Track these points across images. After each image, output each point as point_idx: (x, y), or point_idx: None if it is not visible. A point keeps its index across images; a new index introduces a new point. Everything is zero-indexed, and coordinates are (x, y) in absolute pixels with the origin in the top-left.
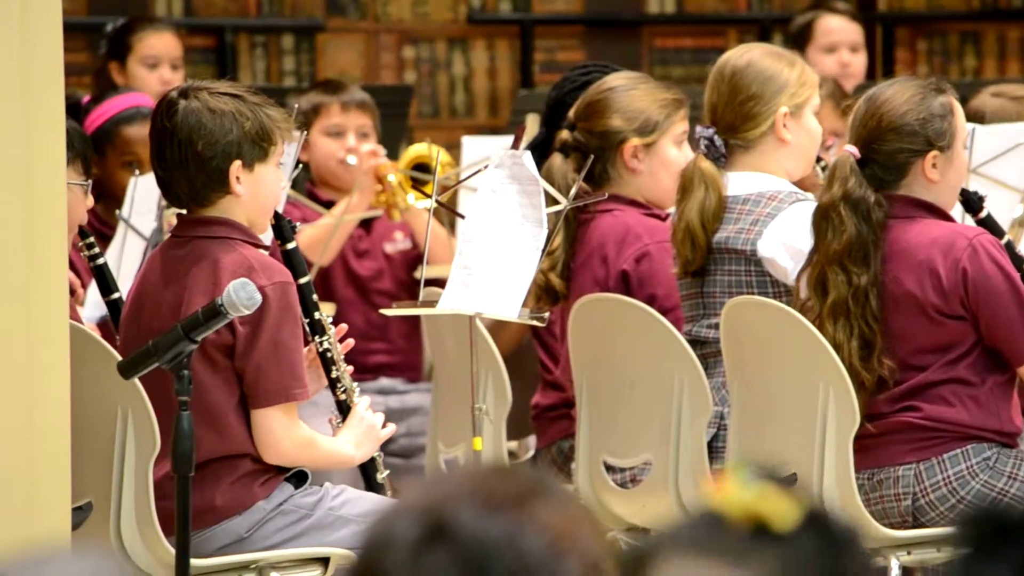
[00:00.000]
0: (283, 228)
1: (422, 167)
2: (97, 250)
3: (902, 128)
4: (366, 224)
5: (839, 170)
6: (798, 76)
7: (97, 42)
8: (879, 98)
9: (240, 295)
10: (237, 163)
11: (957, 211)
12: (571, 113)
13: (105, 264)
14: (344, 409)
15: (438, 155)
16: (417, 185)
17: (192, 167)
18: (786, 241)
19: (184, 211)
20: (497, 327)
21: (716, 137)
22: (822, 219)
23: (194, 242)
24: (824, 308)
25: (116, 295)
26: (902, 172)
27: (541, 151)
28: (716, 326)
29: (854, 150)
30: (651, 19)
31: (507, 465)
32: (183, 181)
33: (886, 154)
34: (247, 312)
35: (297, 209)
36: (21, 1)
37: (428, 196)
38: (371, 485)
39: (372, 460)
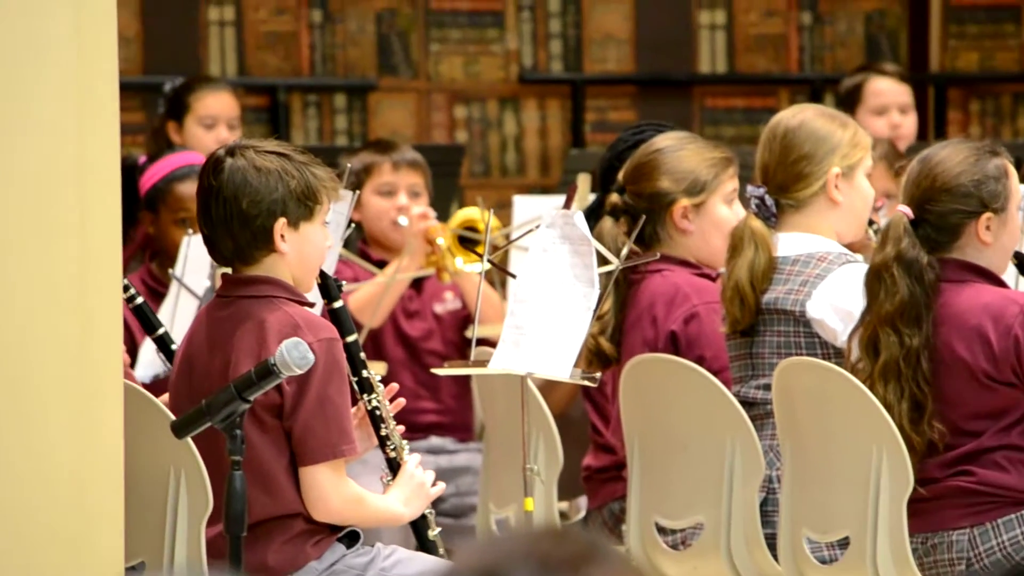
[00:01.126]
0: (329, 287)
1: (471, 231)
2: (133, 290)
3: (956, 189)
4: (416, 285)
5: (892, 230)
6: (851, 137)
7: (152, 101)
8: (933, 159)
9: (293, 355)
10: (282, 221)
11: (1011, 274)
12: (620, 176)
13: (144, 303)
14: (394, 467)
15: (488, 219)
16: (467, 246)
17: (237, 225)
18: (835, 303)
19: (229, 269)
20: (548, 387)
21: (767, 197)
22: (875, 279)
23: (239, 302)
24: (875, 369)
25: (162, 330)
26: (955, 234)
27: (596, 214)
28: (764, 387)
29: (908, 211)
30: (702, 79)
31: (562, 527)
32: (228, 239)
33: (939, 215)
34: (300, 372)
35: (349, 268)
36: (77, 59)
37: (478, 257)
38: (423, 543)
39: (424, 518)
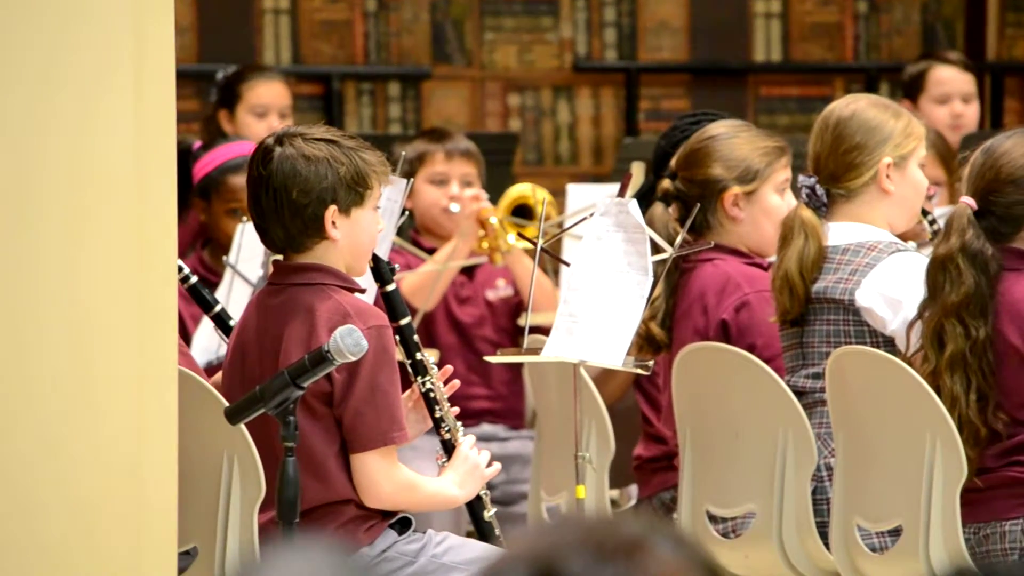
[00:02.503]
0: (382, 271)
1: (524, 208)
2: (187, 270)
3: (1021, 180)
4: (468, 271)
5: (956, 221)
6: (903, 127)
7: (207, 89)
8: (997, 150)
9: (347, 341)
10: (333, 208)
11: None
12: (672, 162)
13: (198, 282)
14: (448, 449)
15: (544, 202)
16: (521, 233)
17: (287, 214)
18: (884, 291)
19: (281, 256)
20: (603, 377)
21: (818, 186)
22: (939, 270)
23: (289, 290)
24: (942, 360)
25: (218, 307)
26: (1019, 225)
27: (647, 200)
28: (815, 376)
29: (971, 202)
30: (757, 67)
31: (617, 513)
32: (279, 228)
33: (1003, 206)
34: (353, 359)
35: (401, 256)
36: (135, 49)
37: (530, 240)
38: (478, 524)
39: (479, 499)
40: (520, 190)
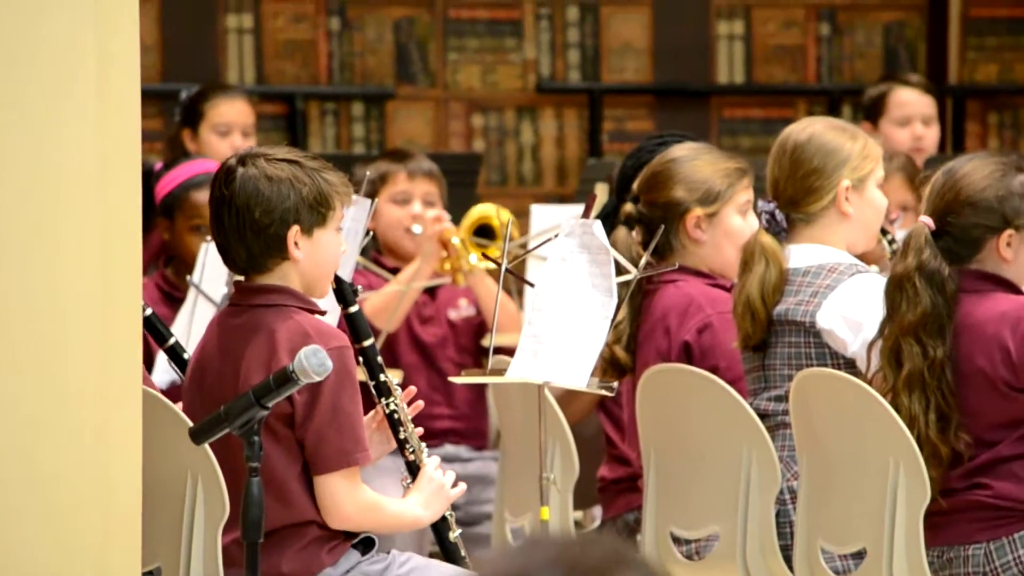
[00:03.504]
0: (345, 292)
1: (486, 228)
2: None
3: (979, 204)
4: (430, 291)
5: (914, 241)
6: (860, 149)
7: (171, 108)
8: (958, 171)
9: (312, 361)
10: (295, 229)
11: None
12: (635, 185)
13: (153, 314)
14: (413, 470)
15: (508, 224)
16: (485, 254)
17: (250, 234)
18: (845, 313)
19: (242, 277)
20: (567, 398)
21: (777, 212)
22: (896, 289)
23: (251, 311)
24: (899, 380)
25: (172, 340)
26: (976, 247)
27: (611, 220)
28: (777, 398)
29: (929, 222)
30: (720, 89)
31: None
32: (241, 248)
33: (961, 228)
34: (318, 379)
35: (363, 276)
36: (98, 68)
37: (493, 261)
38: (443, 545)
39: (444, 519)
40: (482, 210)
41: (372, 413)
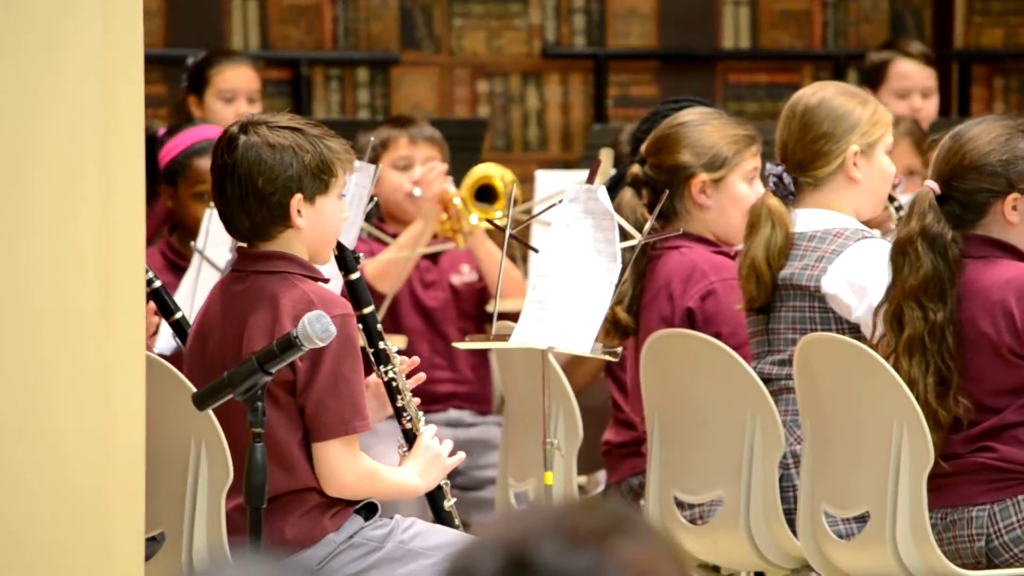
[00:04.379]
0: (347, 259)
1: (487, 190)
2: (151, 274)
3: (984, 168)
4: (433, 256)
5: (918, 205)
6: (871, 115)
7: (174, 74)
8: (964, 135)
9: (315, 327)
10: (298, 197)
11: None
12: (642, 148)
13: (162, 286)
14: (410, 438)
15: (512, 185)
16: (489, 219)
17: (252, 202)
18: (850, 278)
19: (245, 244)
20: (573, 363)
21: (785, 175)
22: (899, 254)
23: (253, 277)
24: (900, 343)
25: (179, 314)
26: (981, 212)
27: (617, 185)
28: (781, 363)
29: (935, 186)
30: (725, 54)
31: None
32: (244, 216)
33: (965, 192)
34: (322, 344)
35: (365, 244)
36: (103, 33)
37: (497, 227)
38: (438, 514)
39: (439, 488)
40: (484, 170)
41: (372, 380)
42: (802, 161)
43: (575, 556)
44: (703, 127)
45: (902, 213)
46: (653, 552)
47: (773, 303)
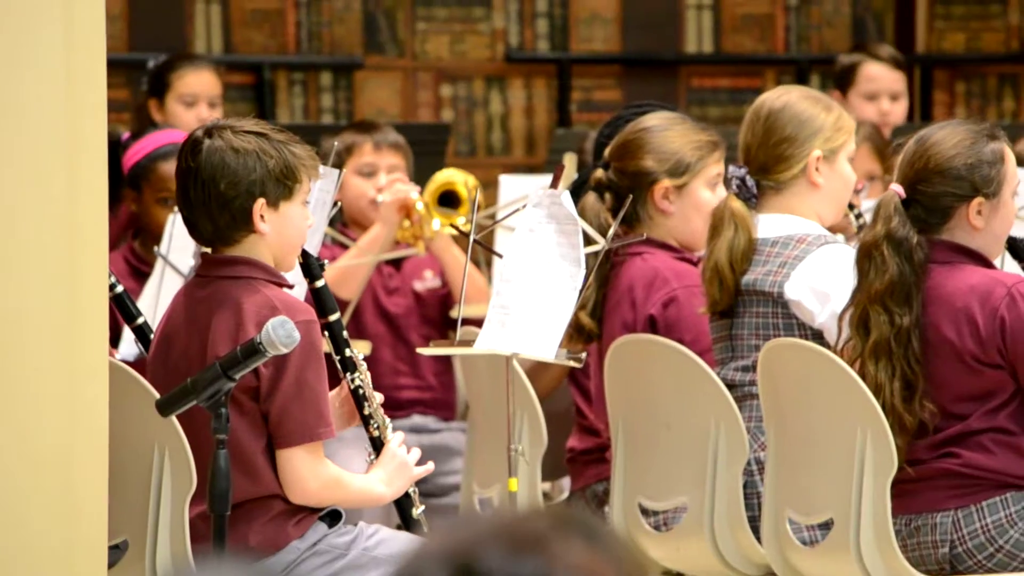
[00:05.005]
0: (311, 266)
1: (450, 195)
2: (113, 279)
3: (948, 172)
4: (396, 262)
5: (883, 209)
6: (834, 121)
7: (137, 79)
8: (929, 139)
9: (279, 333)
10: (261, 202)
11: (1013, 265)
12: (606, 152)
13: (124, 291)
14: (378, 446)
15: (476, 192)
16: (453, 224)
17: (215, 207)
18: (813, 284)
19: (209, 249)
20: (537, 369)
21: (748, 177)
22: (865, 257)
23: (217, 282)
24: (866, 348)
25: (141, 319)
26: (946, 216)
27: (579, 189)
28: (744, 368)
29: (900, 190)
30: (688, 59)
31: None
32: (207, 221)
33: (931, 196)
34: (286, 350)
35: (328, 249)
36: (65, 37)
37: (461, 232)
38: (407, 522)
39: (407, 496)
40: (448, 176)
41: (337, 388)
42: (765, 164)
43: (521, 563)
44: (666, 132)
45: (862, 221)
46: (599, 556)
47: (736, 308)
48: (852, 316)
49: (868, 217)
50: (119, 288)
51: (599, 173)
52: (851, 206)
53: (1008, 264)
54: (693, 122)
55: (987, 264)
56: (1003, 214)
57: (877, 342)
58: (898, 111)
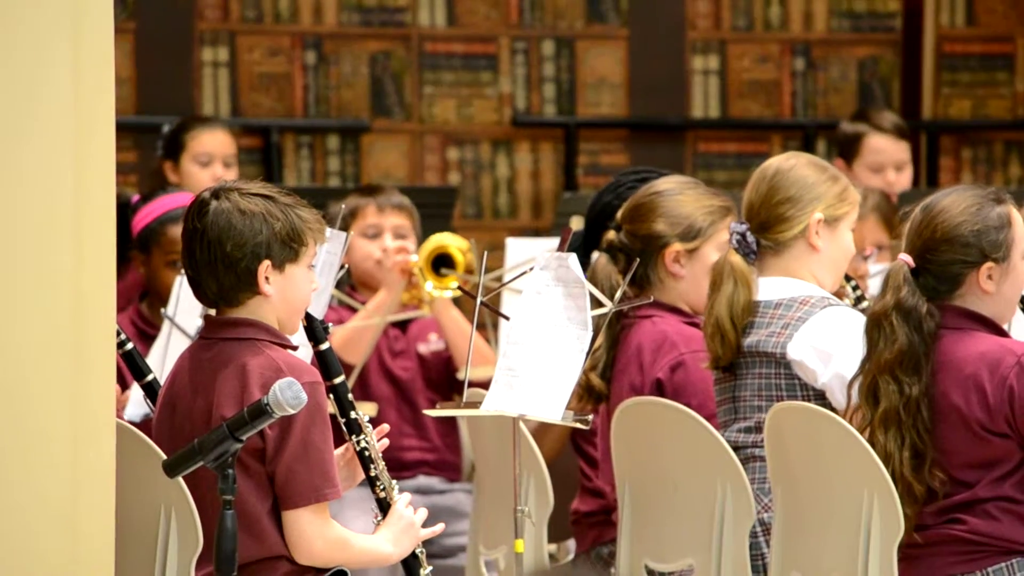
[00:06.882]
0: (315, 329)
1: (447, 258)
2: (123, 336)
3: (956, 239)
4: (402, 324)
5: (892, 279)
6: (839, 192)
7: (145, 141)
8: (935, 207)
9: (287, 395)
10: (266, 264)
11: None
12: (619, 214)
13: (134, 348)
14: (384, 507)
15: (470, 258)
16: (460, 287)
17: (221, 267)
18: (816, 344)
19: (214, 311)
20: (541, 431)
21: (749, 234)
22: (874, 327)
23: (222, 344)
24: (876, 417)
25: (150, 376)
26: (956, 283)
27: (584, 250)
28: (747, 430)
29: (908, 259)
30: (695, 123)
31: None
32: (212, 281)
33: (940, 264)
34: (292, 411)
35: (335, 312)
36: (74, 102)
37: (468, 294)
38: None
39: (415, 556)
40: (439, 240)
41: (342, 449)
42: (766, 222)
43: None
44: (679, 196)
45: (859, 293)
46: None
47: (739, 370)
48: (861, 386)
49: (878, 282)
50: (129, 345)
51: (611, 235)
52: (848, 277)
53: (1020, 324)
54: (705, 187)
55: (998, 330)
56: (1014, 277)
57: (887, 411)
58: (903, 180)
